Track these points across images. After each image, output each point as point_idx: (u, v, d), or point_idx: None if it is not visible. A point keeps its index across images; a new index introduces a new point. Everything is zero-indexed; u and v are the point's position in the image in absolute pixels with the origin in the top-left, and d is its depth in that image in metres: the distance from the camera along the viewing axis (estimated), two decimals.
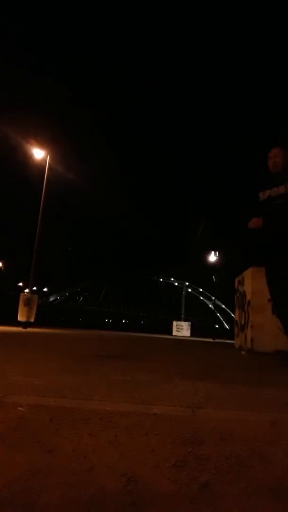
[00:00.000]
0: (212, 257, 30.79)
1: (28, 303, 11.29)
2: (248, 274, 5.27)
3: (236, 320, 6.26)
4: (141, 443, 0.81)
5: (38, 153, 14.89)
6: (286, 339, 3.04)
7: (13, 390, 1.30)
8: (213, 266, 31.31)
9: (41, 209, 14.18)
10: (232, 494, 0.58)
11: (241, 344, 5.55)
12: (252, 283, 4.98)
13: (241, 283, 5.78)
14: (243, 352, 5.14)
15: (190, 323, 32.40)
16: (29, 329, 10.12)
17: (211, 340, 19.63)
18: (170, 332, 28.60)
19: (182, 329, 29.72)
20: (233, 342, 6.66)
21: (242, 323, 5.63)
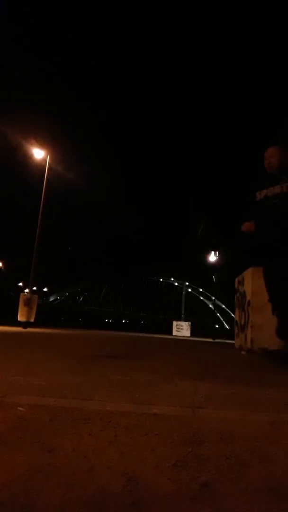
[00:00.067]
0: (212, 257, 30.80)
1: (28, 303, 11.30)
2: (248, 274, 5.27)
3: (236, 320, 6.26)
4: (141, 443, 0.81)
5: (38, 153, 14.90)
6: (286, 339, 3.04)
7: (13, 390, 1.30)
8: (213, 266, 31.34)
9: (41, 209, 14.19)
10: (232, 494, 0.58)
11: (241, 344, 5.55)
12: (252, 283, 4.98)
13: (241, 283, 5.78)
14: (243, 352, 5.14)
15: (190, 323, 32.39)
16: (29, 329, 10.12)
17: (211, 340, 19.63)
18: (170, 332, 28.59)
19: (182, 329, 29.71)
20: (233, 342, 6.66)
21: (242, 323, 5.63)
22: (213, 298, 52.89)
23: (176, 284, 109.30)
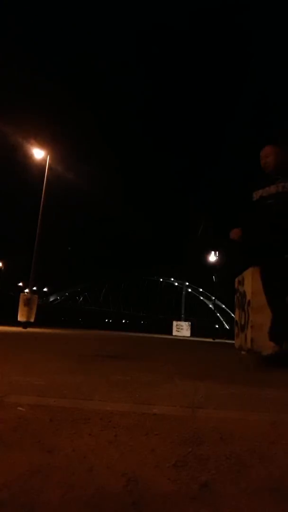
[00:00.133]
0: (212, 257, 30.79)
1: (28, 303, 11.29)
2: (248, 274, 5.25)
3: (236, 320, 6.25)
4: (141, 443, 0.80)
5: (38, 153, 14.89)
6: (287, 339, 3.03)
7: (13, 390, 1.30)
8: (213, 266, 31.32)
9: (41, 209, 14.18)
10: (232, 494, 0.58)
11: (241, 344, 5.54)
12: (252, 283, 4.96)
13: (241, 283, 5.77)
14: (243, 352, 5.14)
15: (190, 323, 32.37)
16: (29, 329, 10.12)
17: (211, 340, 19.62)
18: (170, 332, 28.58)
19: (182, 329, 29.70)
20: (233, 342, 6.65)
21: (242, 323, 5.61)
22: (213, 298, 52.87)
23: (176, 284, 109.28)
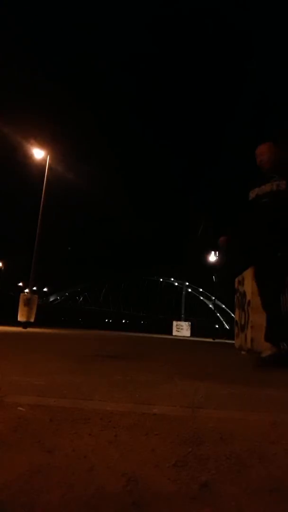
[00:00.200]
0: (212, 257, 30.79)
1: (28, 303, 11.30)
2: (248, 274, 5.27)
3: (236, 320, 6.26)
4: (141, 443, 0.80)
5: (38, 153, 14.91)
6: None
7: (13, 390, 1.29)
8: (213, 266, 31.33)
9: (41, 209, 14.20)
10: (232, 494, 0.58)
11: (241, 344, 5.55)
12: (252, 283, 4.98)
13: (241, 283, 5.78)
14: (243, 352, 5.14)
15: (190, 323, 32.39)
16: (29, 329, 10.12)
17: (211, 340, 19.63)
18: (170, 332, 28.60)
19: (182, 329, 29.72)
20: (233, 342, 6.66)
21: (242, 323, 5.62)
22: (213, 298, 52.91)
23: (176, 284, 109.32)
